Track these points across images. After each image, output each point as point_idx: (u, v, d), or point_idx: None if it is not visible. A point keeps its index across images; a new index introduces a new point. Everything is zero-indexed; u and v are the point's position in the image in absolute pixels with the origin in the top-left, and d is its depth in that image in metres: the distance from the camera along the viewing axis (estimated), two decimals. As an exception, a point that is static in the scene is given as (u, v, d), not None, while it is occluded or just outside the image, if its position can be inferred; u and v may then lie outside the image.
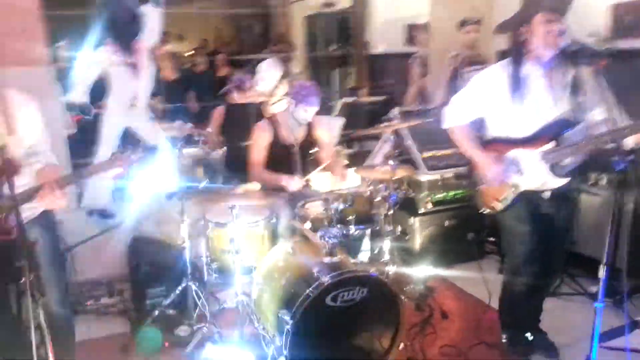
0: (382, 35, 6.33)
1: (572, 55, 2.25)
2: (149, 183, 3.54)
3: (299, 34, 7.82)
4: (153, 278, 2.93)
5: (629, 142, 2.12)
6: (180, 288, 2.82)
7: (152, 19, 3.75)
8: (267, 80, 4.88)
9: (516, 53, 2.33)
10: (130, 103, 3.59)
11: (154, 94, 4.83)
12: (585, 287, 3.17)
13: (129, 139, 3.60)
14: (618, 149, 1.99)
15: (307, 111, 3.20)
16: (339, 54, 6.88)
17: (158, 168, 3.63)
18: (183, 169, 3.40)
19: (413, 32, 5.46)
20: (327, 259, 2.44)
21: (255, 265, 2.72)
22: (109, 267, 3.37)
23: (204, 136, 3.86)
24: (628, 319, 2.32)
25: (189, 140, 3.90)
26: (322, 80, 6.98)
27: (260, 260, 2.71)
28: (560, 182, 2.35)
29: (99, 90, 3.70)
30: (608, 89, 2.27)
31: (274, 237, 2.89)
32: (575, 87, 2.30)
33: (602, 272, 1.94)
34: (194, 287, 2.80)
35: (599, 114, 2.28)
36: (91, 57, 3.59)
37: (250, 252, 2.77)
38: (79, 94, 3.53)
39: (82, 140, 3.67)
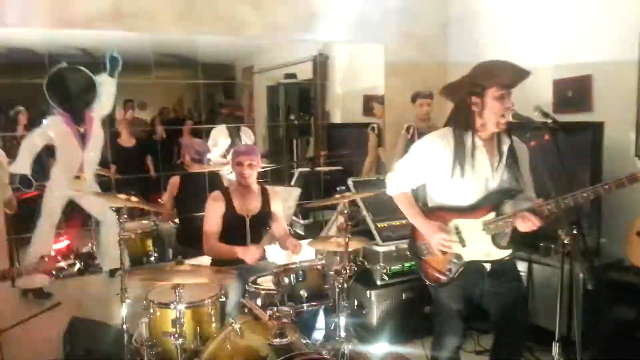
0: (341, 105, 6.48)
1: (516, 128, 2.27)
2: (91, 258, 3.36)
3: (261, 103, 7.95)
4: (89, 364, 2.70)
5: None
6: (117, 376, 2.60)
7: (107, 89, 3.72)
8: (219, 147, 4.85)
9: (463, 123, 2.27)
10: (75, 174, 3.47)
11: (106, 163, 4.71)
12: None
13: (74, 212, 3.43)
14: (561, 220, 2.00)
15: (247, 165, 3.15)
16: (299, 123, 7.00)
17: (101, 243, 3.51)
18: (129, 243, 3.24)
19: (370, 103, 5.60)
20: (276, 341, 2.31)
21: (200, 349, 2.53)
22: (43, 352, 3.08)
23: (154, 208, 3.73)
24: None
25: (137, 212, 3.77)
26: (282, 150, 7.02)
27: (206, 344, 2.53)
28: (504, 253, 2.30)
29: (44, 162, 3.55)
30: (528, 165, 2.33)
31: (222, 316, 2.73)
32: (514, 158, 2.30)
33: (555, 350, 1.89)
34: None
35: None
36: (40, 127, 3.49)
37: (195, 335, 2.60)
38: (21, 165, 3.38)
39: (22, 214, 3.47)
